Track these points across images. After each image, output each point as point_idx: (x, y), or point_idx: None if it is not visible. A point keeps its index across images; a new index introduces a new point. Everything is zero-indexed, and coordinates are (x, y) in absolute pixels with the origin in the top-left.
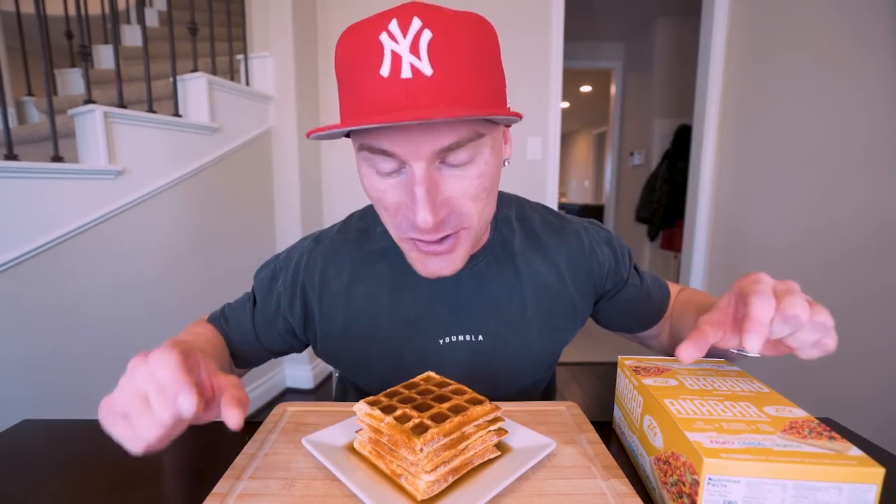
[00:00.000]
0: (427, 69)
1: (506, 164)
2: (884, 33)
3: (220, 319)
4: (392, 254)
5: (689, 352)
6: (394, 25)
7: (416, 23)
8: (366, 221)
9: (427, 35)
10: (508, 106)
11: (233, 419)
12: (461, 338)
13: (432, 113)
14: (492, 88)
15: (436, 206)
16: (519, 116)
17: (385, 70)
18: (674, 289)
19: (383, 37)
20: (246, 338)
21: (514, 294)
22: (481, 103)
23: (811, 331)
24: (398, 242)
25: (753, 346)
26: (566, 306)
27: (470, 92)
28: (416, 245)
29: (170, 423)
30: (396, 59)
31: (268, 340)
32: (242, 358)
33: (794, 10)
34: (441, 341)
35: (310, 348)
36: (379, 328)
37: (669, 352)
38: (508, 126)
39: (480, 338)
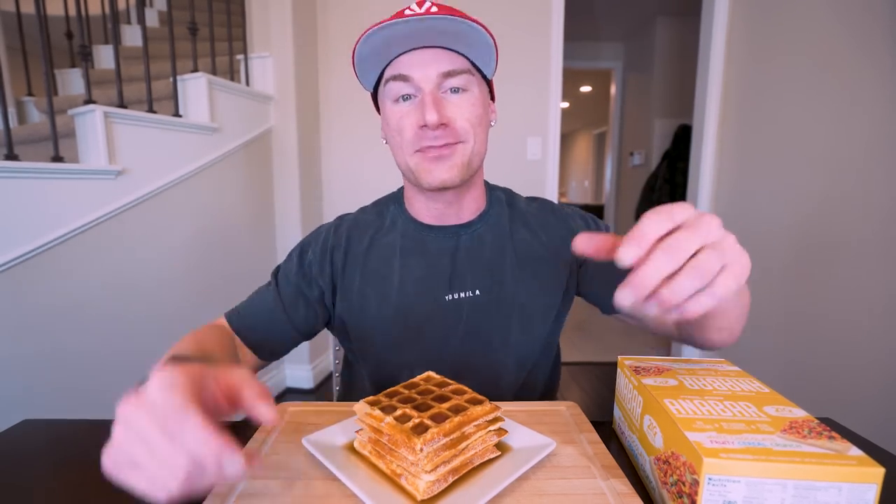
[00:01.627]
0: (435, 10)
1: (493, 124)
2: (883, 34)
3: (235, 315)
4: (402, 226)
5: (581, 241)
6: (413, 4)
7: (428, 2)
8: (380, 205)
9: (435, 9)
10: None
11: (265, 415)
12: (462, 294)
13: (439, 12)
14: (486, 44)
15: (440, 111)
16: (495, 48)
17: (407, 11)
18: None
19: (405, 11)
20: (273, 320)
21: (505, 256)
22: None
23: (688, 276)
24: (410, 161)
25: (624, 257)
26: (549, 269)
27: (471, 31)
28: (425, 154)
29: (186, 468)
30: (415, 6)
31: (297, 316)
32: (266, 348)
33: (793, 10)
34: (447, 297)
35: (315, 338)
36: (390, 287)
37: (675, 335)
38: (493, 98)
39: (478, 292)
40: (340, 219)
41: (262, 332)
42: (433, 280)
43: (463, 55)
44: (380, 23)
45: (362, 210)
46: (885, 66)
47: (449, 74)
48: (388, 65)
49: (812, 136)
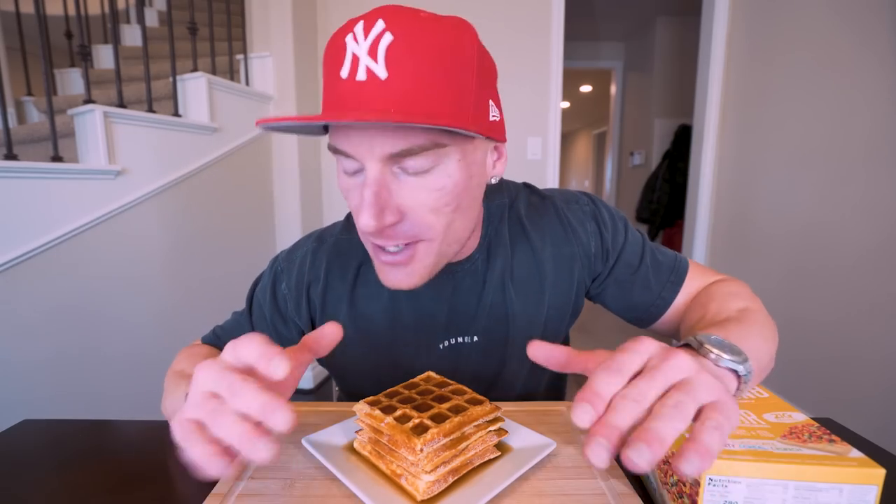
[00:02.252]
0: (382, 73)
1: (492, 180)
2: (883, 33)
3: (215, 342)
4: None
5: (536, 350)
6: (359, 27)
7: (379, 25)
8: None
9: (388, 38)
10: (493, 118)
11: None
12: (459, 340)
13: (372, 116)
14: (458, 98)
15: (381, 211)
16: (493, 137)
17: (344, 72)
18: (701, 279)
19: (348, 38)
20: None
21: (505, 289)
22: (439, 113)
23: (657, 419)
24: (366, 247)
25: (579, 420)
26: (555, 295)
27: (427, 100)
28: (376, 255)
29: (247, 410)
30: (355, 60)
31: None
32: None
33: (794, 10)
34: (441, 345)
35: None
36: (379, 332)
37: None
38: (502, 141)
39: (476, 338)
40: (319, 241)
41: None
42: (427, 328)
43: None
44: (290, 118)
45: (347, 226)
46: (887, 65)
47: (402, 156)
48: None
49: (812, 135)
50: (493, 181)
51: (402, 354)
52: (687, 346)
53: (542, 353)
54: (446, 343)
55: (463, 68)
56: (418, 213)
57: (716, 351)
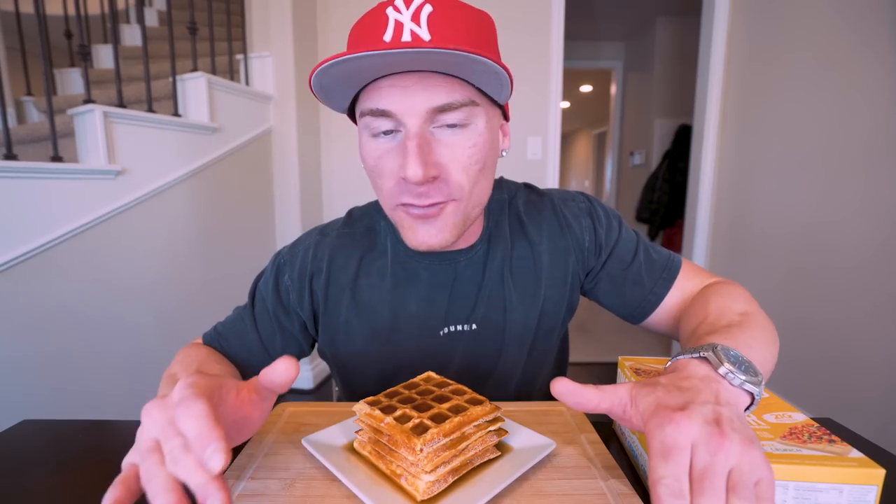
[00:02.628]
0: (425, 35)
1: (503, 154)
2: (884, 33)
3: (216, 339)
4: (393, 250)
5: (559, 386)
6: (399, 1)
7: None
8: (370, 217)
9: (428, 8)
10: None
11: (281, 370)
12: (459, 328)
13: (432, 46)
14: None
15: (426, 162)
16: (506, 110)
17: (388, 36)
18: (696, 279)
19: (389, 10)
20: (251, 350)
21: (503, 279)
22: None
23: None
24: (391, 214)
25: None
26: (550, 287)
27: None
28: (407, 212)
29: (184, 481)
30: (399, 26)
31: (274, 349)
32: (248, 374)
33: (794, 10)
34: (442, 332)
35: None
36: (381, 321)
37: None
38: (507, 118)
39: (474, 326)
40: (321, 234)
41: (242, 359)
42: (428, 315)
43: (464, 79)
44: (342, 54)
45: (349, 221)
46: (887, 65)
47: (443, 110)
48: (362, 89)
49: (812, 136)
50: (504, 154)
51: (403, 341)
52: (702, 357)
53: (568, 388)
54: (446, 330)
55: (490, 40)
56: (451, 171)
57: (735, 372)
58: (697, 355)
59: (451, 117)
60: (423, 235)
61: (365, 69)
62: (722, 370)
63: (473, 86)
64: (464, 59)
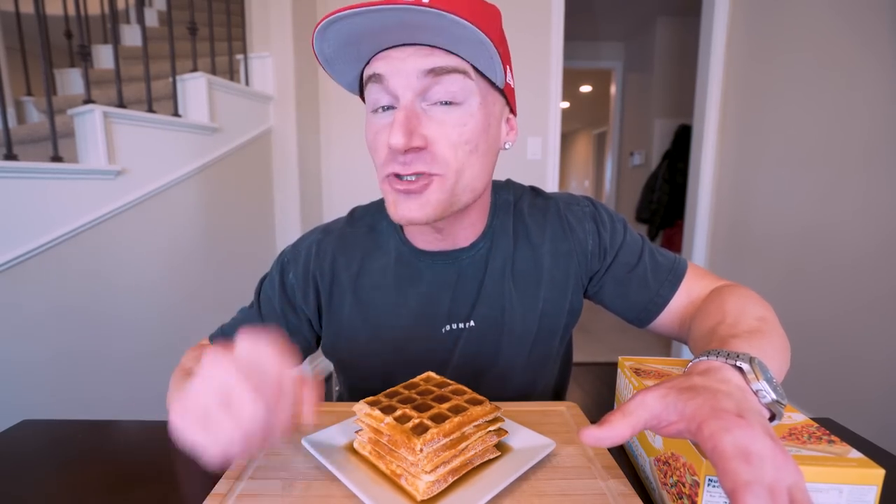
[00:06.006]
0: None
1: (506, 146)
2: (884, 33)
3: (222, 339)
4: (395, 248)
5: (588, 438)
6: None
7: None
8: (372, 217)
9: None
10: (509, 82)
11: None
12: (459, 325)
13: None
14: (489, 34)
15: (411, 132)
16: (508, 98)
17: None
18: (703, 282)
19: None
20: None
21: (504, 279)
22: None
23: None
24: (381, 188)
25: None
26: (551, 289)
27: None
28: (391, 185)
29: (252, 423)
30: None
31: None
32: None
33: (794, 10)
34: (444, 329)
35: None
36: (384, 319)
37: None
38: (514, 111)
39: (472, 323)
40: (325, 232)
41: None
42: (430, 314)
43: (457, 55)
44: (333, 12)
45: (351, 220)
46: (887, 65)
47: (434, 73)
48: (367, 63)
49: (812, 136)
50: (507, 146)
51: (405, 339)
52: (738, 366)
53: (596, 434)
54: (447, 328)
55: (492, 18)
56: (439, 146)
57: (768, 391)
58: (733, 362)
59: (443, 90)
60: (404, 210)
61: (363, 35)
62: (756, 385)
63: (471, 65)
64: (449, 22)
